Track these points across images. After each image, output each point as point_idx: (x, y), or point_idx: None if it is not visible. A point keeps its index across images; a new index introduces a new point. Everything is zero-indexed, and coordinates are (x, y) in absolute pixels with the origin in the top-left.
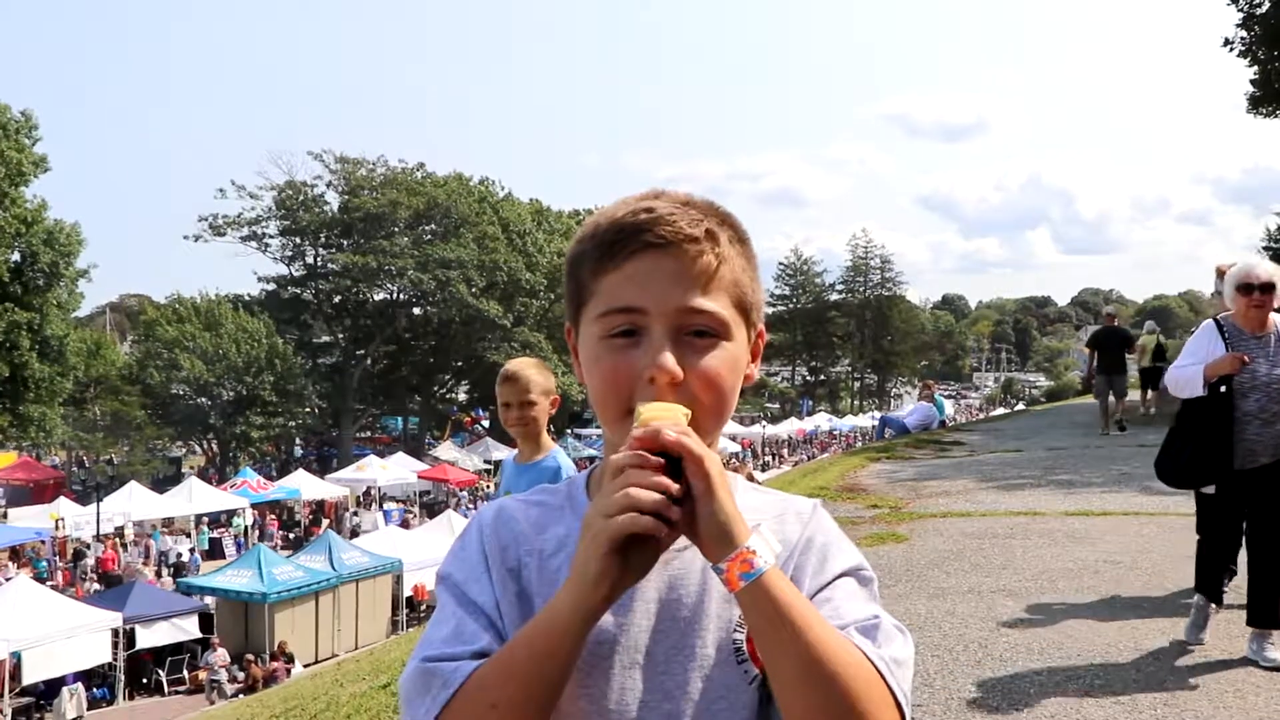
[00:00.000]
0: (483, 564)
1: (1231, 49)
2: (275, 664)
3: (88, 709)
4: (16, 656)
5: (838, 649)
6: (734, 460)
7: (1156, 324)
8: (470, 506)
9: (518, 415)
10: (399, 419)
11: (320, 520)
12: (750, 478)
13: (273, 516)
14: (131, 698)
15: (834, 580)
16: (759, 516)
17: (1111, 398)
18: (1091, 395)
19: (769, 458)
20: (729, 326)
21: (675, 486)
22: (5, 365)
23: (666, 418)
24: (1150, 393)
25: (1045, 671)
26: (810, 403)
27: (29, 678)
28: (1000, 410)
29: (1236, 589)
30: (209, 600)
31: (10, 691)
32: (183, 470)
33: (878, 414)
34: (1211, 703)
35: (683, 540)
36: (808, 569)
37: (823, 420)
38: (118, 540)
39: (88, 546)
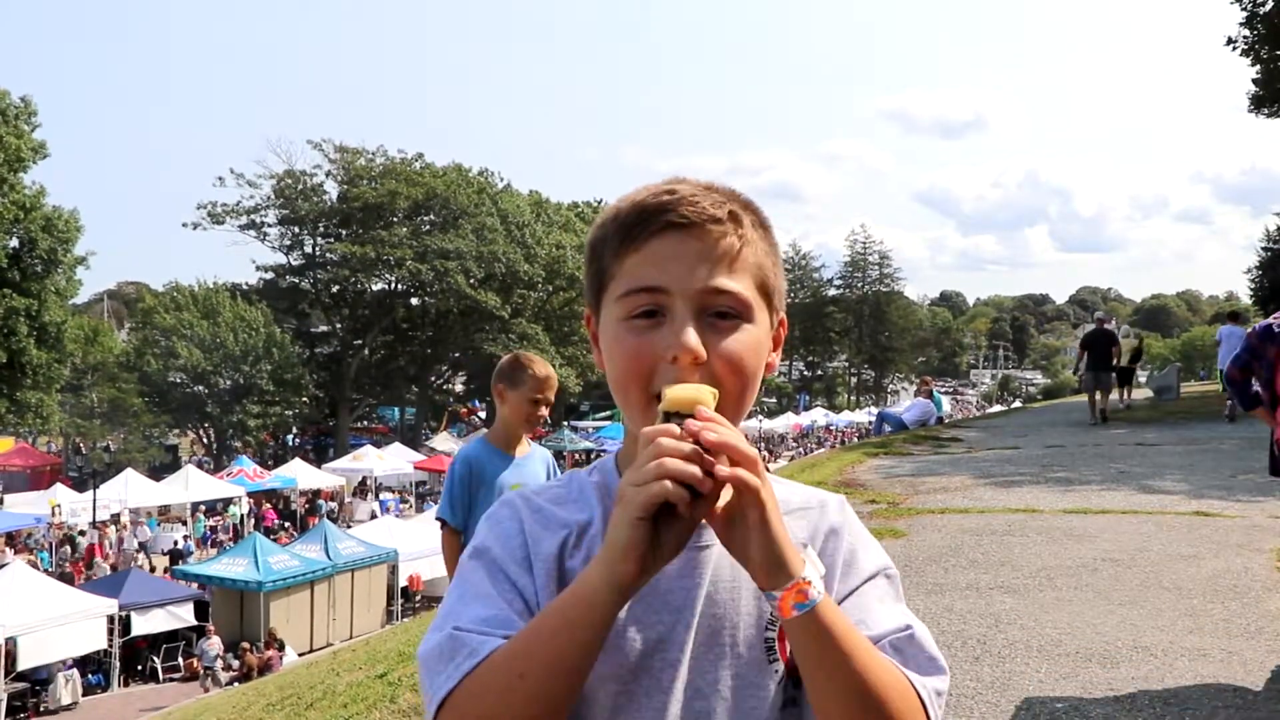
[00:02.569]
0: (524, 548)
1: (1234, 48)
2: (270, 652)
3: (82, 695)
4: (12, 642)
5: (881, 673)
6: None
7: (1148, 328)
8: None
9: (541, 413)
10: (395, 409)
11: (316, 509)
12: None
13: (268, 505)
14: (126, 684)
15: (864, 584)
16: (785, 507)
17: (1099, 392)
18: (1082, 390)
19: (765, 453)
20: (752, 308)
21: (709, 458)
22: (3, 351)
23: (692, 397)
24: (1126, 390)
25: (1044, 668)
26: (807, 397)
27: (24, 663)
28: (997, 407)
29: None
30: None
31: (6, 677)
32: (179, 458)
33: (875, 409)
34: (1211, 701)
35: (710, 535)
36: (836, 567)
37: (819, 415)
38: (110, 527)
39: (81, 534)
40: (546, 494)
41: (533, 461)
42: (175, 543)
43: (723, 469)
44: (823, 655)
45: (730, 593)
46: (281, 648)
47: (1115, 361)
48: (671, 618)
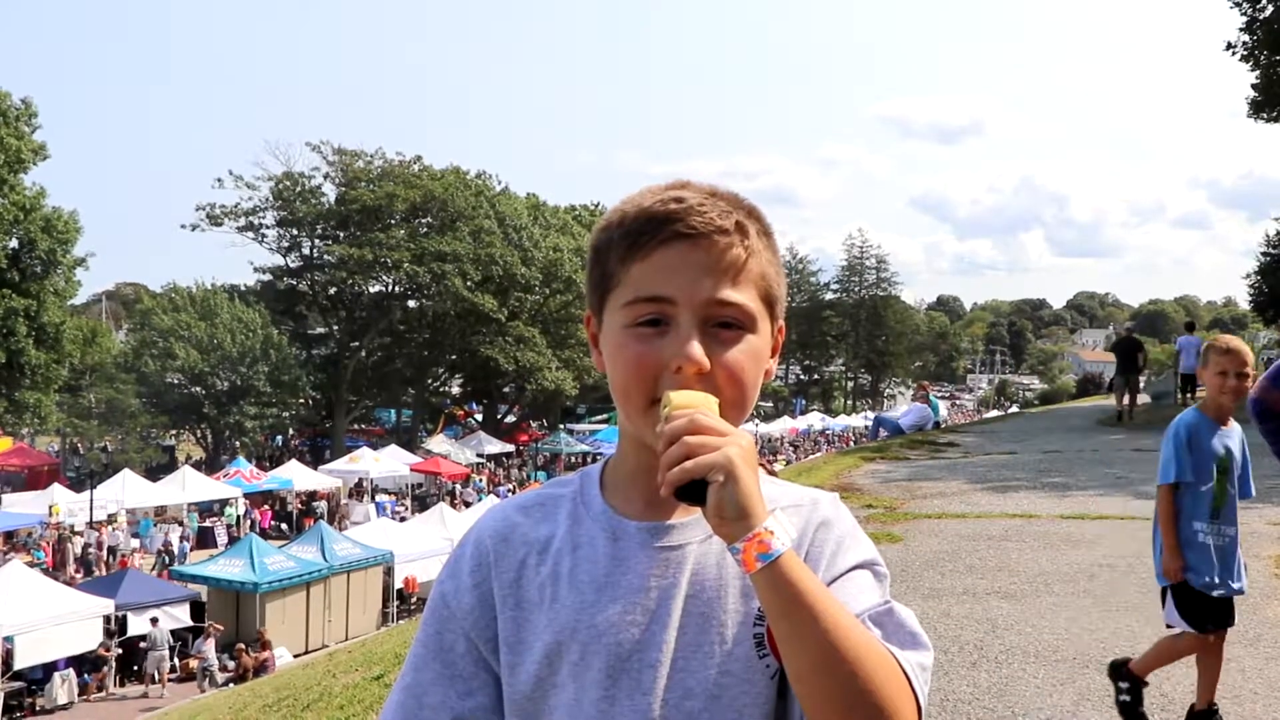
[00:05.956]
0: (477, 588)
1: (1234, 53)
2: (266, 653)
3: (78, 695)
4: (9, 642)
5: (857, 637)
6: None
7: (1146, 334)
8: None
9: (1235, 385)
10: (391, 411)
11: (312, 511)
12: (770, 471)
13: (265, 507)
14: (122, 684)
15: (848, 571)
16: (775, 505)
17: (1126, 393)
18: (1113, 395)
19: (762, 455)
20: (755, 319)
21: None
22: (2, 352)
23: (697, 405)
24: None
25: (1041, 674)
26: (803, 402)
27: (21, 663)
28: (994, 412)
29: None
30: (200, 588)
31: (3, 676)
32: (175, 458)
33: (871, 414)
34: None
35: (700, 533)
36: (823, 557)
37: (815, 419)
38: (108, 526)
39: (78, 534)
40: (526, 504)
41: (1233, 436)
42: (169, 544)
43: (689, 439)
44: (789, 611)
45: (716, 591)
46: (270, 648)
47: (1141, 366)
48: (645, 618)
